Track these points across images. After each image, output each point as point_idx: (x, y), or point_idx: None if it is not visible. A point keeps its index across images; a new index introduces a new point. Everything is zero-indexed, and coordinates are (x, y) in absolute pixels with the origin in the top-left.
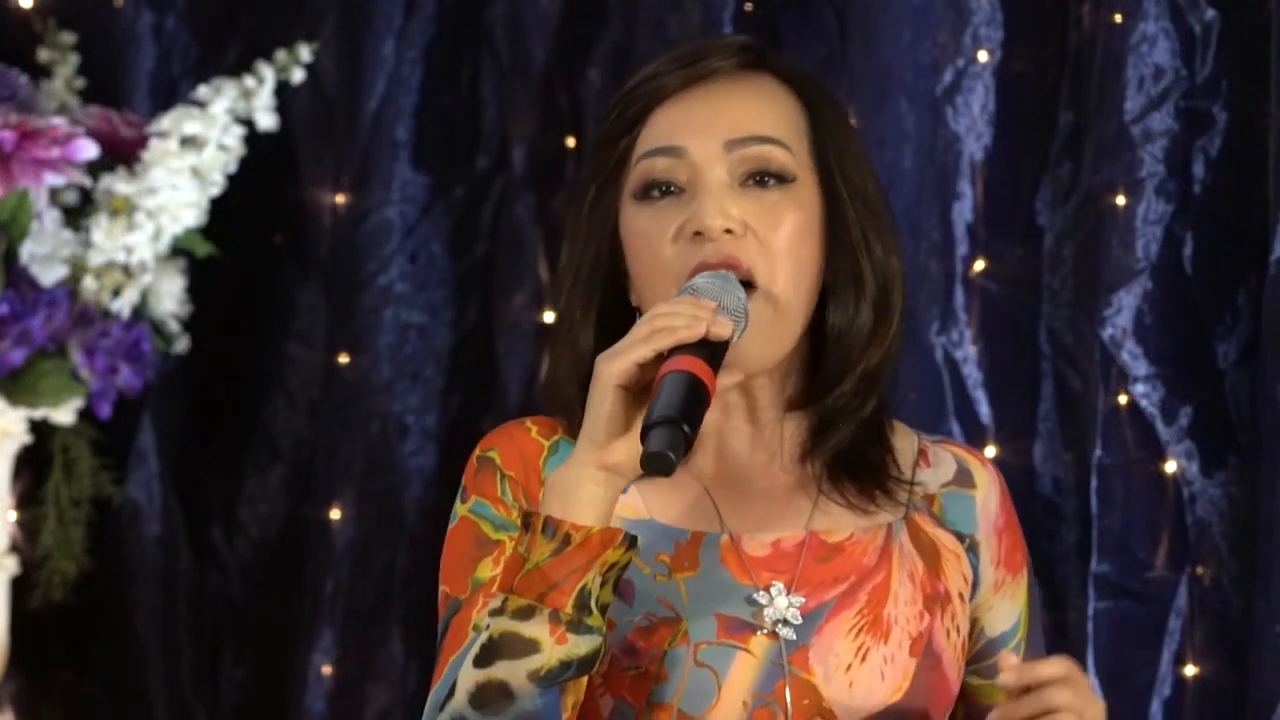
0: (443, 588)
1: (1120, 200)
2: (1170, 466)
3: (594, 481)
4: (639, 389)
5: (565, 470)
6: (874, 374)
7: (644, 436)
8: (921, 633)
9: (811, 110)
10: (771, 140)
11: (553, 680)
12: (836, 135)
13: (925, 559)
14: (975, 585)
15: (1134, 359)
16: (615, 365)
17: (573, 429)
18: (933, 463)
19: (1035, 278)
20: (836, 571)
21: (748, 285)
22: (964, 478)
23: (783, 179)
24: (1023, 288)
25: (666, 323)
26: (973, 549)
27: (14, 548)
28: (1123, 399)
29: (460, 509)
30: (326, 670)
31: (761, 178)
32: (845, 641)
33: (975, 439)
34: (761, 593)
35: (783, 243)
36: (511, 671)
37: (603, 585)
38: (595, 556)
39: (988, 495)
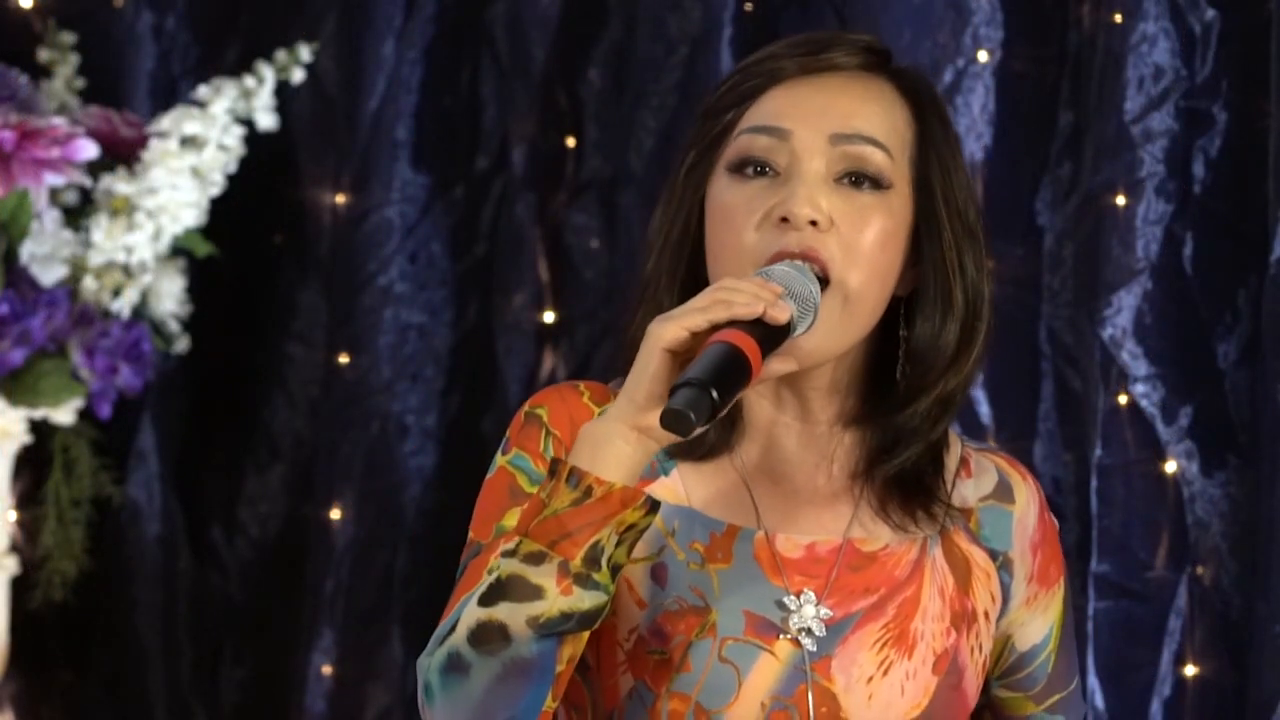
0: (470, 534)
1: (1120, 200)
2: (1170, 466)
3: (625, 440)
4: (687, 357)
5: (599, 423)
6: (950, 398)
7: (670, 394)
8: (947, 649)
9: (922, 123)
10: (876, 143)
11: (551, 630)
12: (943, 152)
13: (957, 575)
14: (1005, 603)
15: (1134, 359)
16: (667, 329)
17: None
18: (974, 473)
19: (1035, 278)
20: (868, 582)
21: (822, 281)
22: (1004, 492)
23: (878, 183)
24: (1023, 288)
25: (727, 296)
26: (1005, 567)
27: (14, 548)
28: (1123, 399)
29: (500, 459)
30: (326, 670)
31: (857, 178)
32: (869, 654)
33: (975, 439)
34: (791, 597)
35: (866, 245)
36: (512, 614)
37: (618, 545)
38: (613, 513)
39: (1026, 510)
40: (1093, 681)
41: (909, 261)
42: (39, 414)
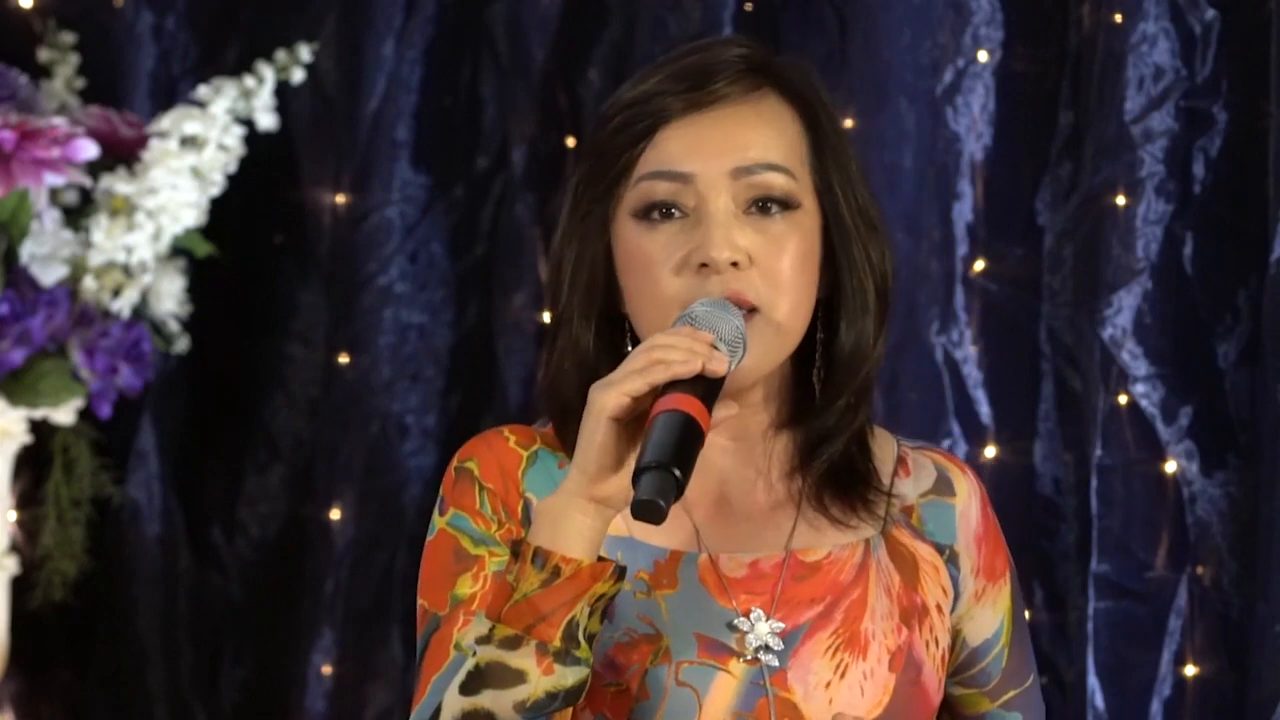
0: (421, 601)
1: (1120, 200)
2: (1170, 466)
3: (583, 513)
4: (631, 419)
5: (555, 500)
6: (866, 385)
7: (635, 480)
8: (900, 646)
9: (812, 129)
10: (776, 168)
11: (539, 711)
12: (837, 151)
13: (903, 573)
14: (956, 597)
15: (1134, 359)
16: (608, 398)
17: (567, 432)
18: (912, 471)
19: (1035, 278)
20: (813, 592)
21: (750, 311)
22: (944, 486)
23: (787, 205)
24: (1023, 288)
25: (663, 355)
26: (952, 560)
27: (14, 548)
28: (1123, 399)
29: (439, 521)
30: (326, 670)
31: (765, 205)
32: (823, 660)
33: (975, 439)
34: (741, 619)
35: (786, 272)
36: (497, 701)
37: (590, 615)
38: (585, 590)
39: (968, 504)
40: (1093, 681)
41: (823, 265)
42: (39, 414)
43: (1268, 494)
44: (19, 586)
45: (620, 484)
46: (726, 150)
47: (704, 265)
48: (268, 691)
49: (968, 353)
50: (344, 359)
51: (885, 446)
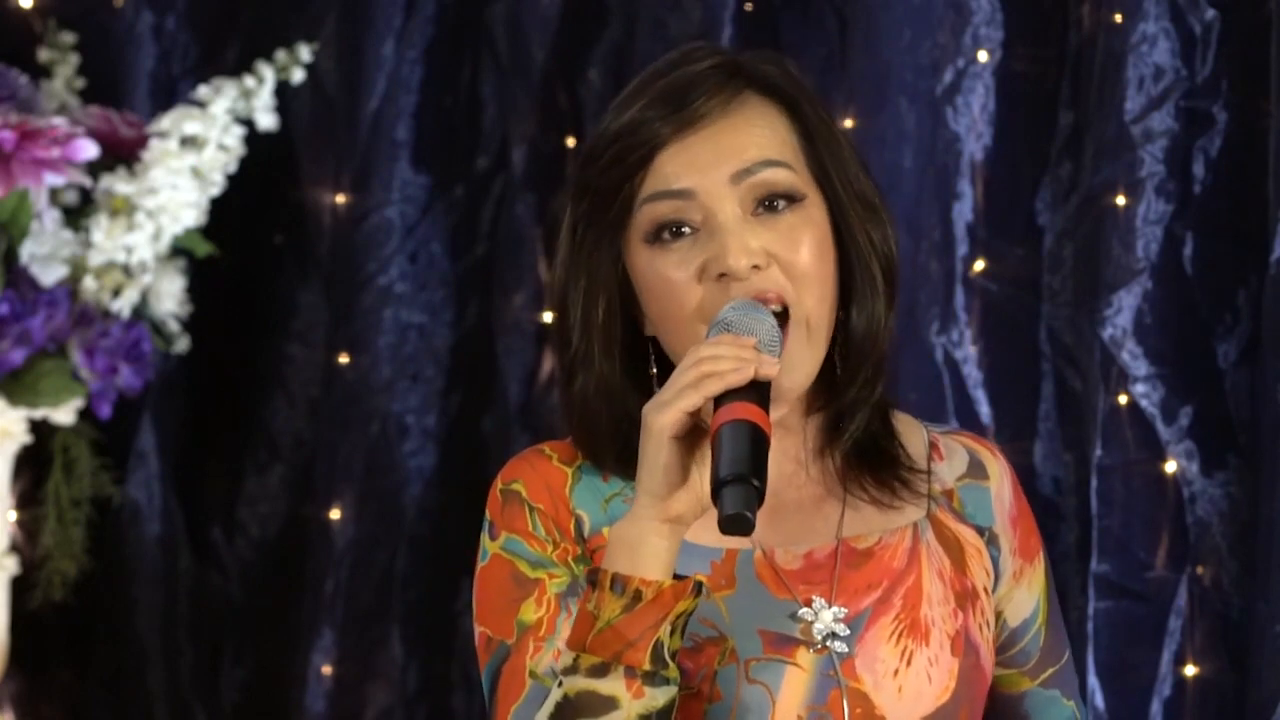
0: (481, 629)
1: (1120, 200)
2: (1170, 466)
3: (658, 535)
4: (689, 433)
5: (628, 525)
6: (881, 360)
7: (715, 496)
8: (958, 630)
9: (799, 121)
10: (775, 163)
11: None
12: (826, 139)
13: (951, 556)
14: (996, 579)
15: (1134, 359)
16: (666, 417)
17: (607, 463)
18: (945, 455)
19: (1035, 278)
20: (869, 578)
21: (781, 315)
22: (977, 469)
23: (792, 198)
24: (1023, 288)
25: (713, 367)
26: (992, 542)
27: (14, 548)
28: (1123, 399)
29: (491, 546)
30: (326, 670)
31: (771, 201)
32: (888, 647)
33: None
34: (804, 609)
35: (806, 264)
36: None
37: (673, 633)
38: (668, 610)
39: (1000, 485)
40: (1093, 681)
41: (841, 257)
42: (39, 414)
43: (1268, 494)
44: (19, 586)
45: (689, 499)
46: (721, 159)
47: (723, 275)
48: (268, 691)
49: (968, 353)
50: (344, 359)
51: (914, 431)
